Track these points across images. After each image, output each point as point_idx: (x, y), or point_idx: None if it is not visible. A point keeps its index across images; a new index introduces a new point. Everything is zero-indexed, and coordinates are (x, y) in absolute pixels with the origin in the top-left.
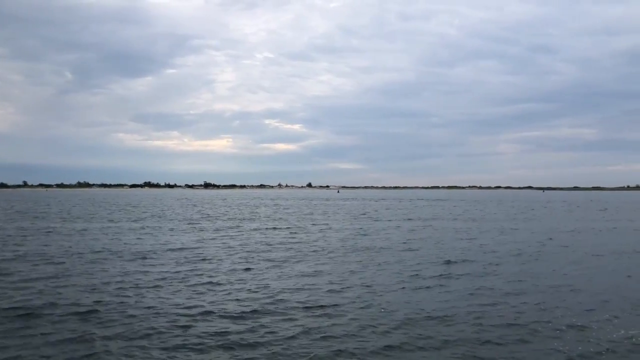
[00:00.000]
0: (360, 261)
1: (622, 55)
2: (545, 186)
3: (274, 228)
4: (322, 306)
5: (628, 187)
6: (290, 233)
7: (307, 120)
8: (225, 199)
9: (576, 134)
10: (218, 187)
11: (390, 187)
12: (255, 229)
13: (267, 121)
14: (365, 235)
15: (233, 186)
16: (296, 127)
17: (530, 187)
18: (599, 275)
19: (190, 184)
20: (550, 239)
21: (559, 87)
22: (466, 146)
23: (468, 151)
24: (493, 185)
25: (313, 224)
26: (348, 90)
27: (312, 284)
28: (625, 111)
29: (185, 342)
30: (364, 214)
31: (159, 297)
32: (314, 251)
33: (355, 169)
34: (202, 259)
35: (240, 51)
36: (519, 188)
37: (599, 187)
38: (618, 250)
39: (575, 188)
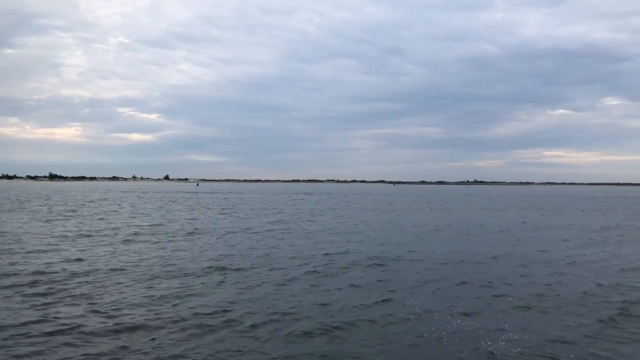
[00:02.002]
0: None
1: (465, 61)
2: (396, 180)
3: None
4: None
5: (467, 181)
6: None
7: (165, 109)
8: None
9: (424, 133)
10: (65, 178)
11: (251, 181)
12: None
13: (120, 109)
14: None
15: (82, 178)
16: (153, 116)
17: (382, 181)
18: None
19: (32, 175)
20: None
21: (409, 88)
22: (325, 141)
23: (327, 146)
24: (349, 179)
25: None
26: (209, 81)
27: None
28: (466, 113)
29: None
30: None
31: None
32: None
33: (215, 161)
34: None
35: (91, 34)
36: (373, 182)
37: (443, 182)
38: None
39: (422, 182)
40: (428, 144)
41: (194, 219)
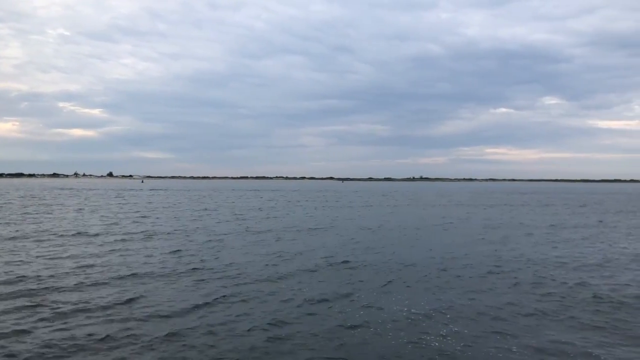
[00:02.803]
0: None
1: (412, 60)
2: (345, 177)
3: None
4: None
5: (413, 178)
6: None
7: (109, 105)
8: None
9: (372, 130)
10: (1, 175)
11: (199, 178)
12: None
13: (61, 104)
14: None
15: (20, 175)
16: (95, 111)
17: (331, 178)
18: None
19: None
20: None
21: (358, 86)
22: (273, 138)
23: (275, 143)
24: (298, 176)
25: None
26: (155, 76)
27: None
28: (412, 111)
29: None
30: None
31: None
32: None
33: (161, 158)
34: None
35: (28, 25)
36: (322, 179)
37: (390, 178)
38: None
39: (370, 179)
40: (376, 141)
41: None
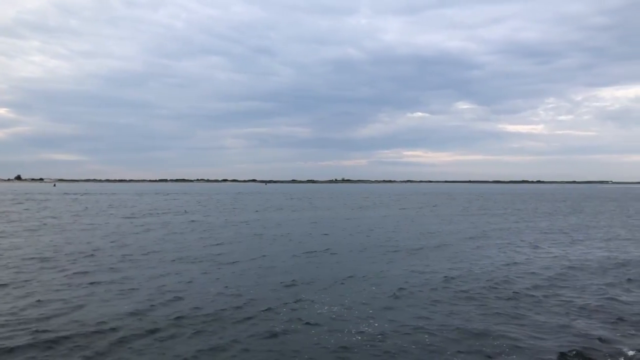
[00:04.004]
0: None
1: (332, 64)
2: (268, 179)
3: None
4: None
5: (336, 180)
6: None
7: (15, 104)
8: None
9: (294, 132)
10: None
11: (115, 180)
12: None
13: None
14: None
15: None
16: (1, 111)
17: (254, 180)
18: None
19: None
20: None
21: (279, 88)
22: (194, 139)
23: (196, 144)
24: (220, 179)
25: None
26: (66, 75)
27: None
28: (333, 114)
29: None
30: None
31: None
32: None
33: (74, 160)
34: None
35: None
36: (244, 181)
37: (313, 180)
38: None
39: (293, 181)
40: (298, 143)
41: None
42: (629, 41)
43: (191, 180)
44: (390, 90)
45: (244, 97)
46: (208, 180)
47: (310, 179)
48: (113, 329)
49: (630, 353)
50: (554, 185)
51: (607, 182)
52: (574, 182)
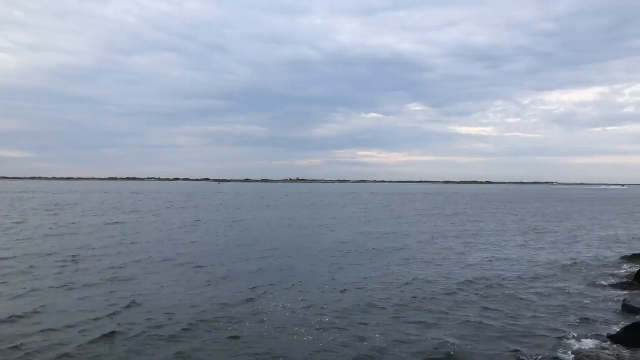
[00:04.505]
0: None
1: (288, 63)
2: (221, 178)
3: None
4: None
5: (291, 179)
6: None
7: None
8: None
9: (249, 131)
10: None
11: (63, 179)
12: None
13: None
14: None
15: None
16: None
17: (207, 179)
18: None
19: None
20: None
21: (234, 87)
22: (146, 137)
23: (148, 142)
24: (172, 177)
25: None
26: (11, 68)
27: None
28: (289, 113)
29: None
30: None
31: None
32: None
33: (18, 157)
34: None
35: None
36: (197, 180)
37: (268, 180)
38: None
39: (247, 180)
40: (253, 142)
41: None
42: (574, 47)
43: (142, 179)
44: (345, 90)
45: (199, 95)
46: (160, 179)
47: (264, 178)
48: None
49: (579, 347)
50: (502, 185)
51: (552, 183)
52: (521, 183)
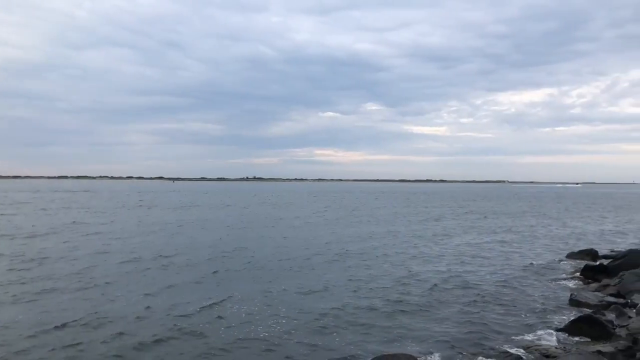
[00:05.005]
0: None
1: (244, 61)
2: (176, 177)
3: None
4: None
5: (247, 178)
6: None
7: None
8: None
9: (204, 129)
10: None
11: (8, 177)
12: None
13: None
14: None
15: None
16: None
17: (161, 178)
18: None
19: None
20: None
21: (189, 84)
22: (97, 135)
23: (99, 140)
24: (125, 176)
25: None
26: None
27: None
28: (246, 111)
29: None
30: None
31: None
32: None
33: None
34: None
35: None
36: (151, 178)
37: (224, 178)
38: None
39: (203, 179)
40: (209, 140)
41: None
42: (523, 49)
43: (93, 177)
44: (301, 89)
45: (152, 91)
46: (112, 178)
47: (220, 176)
48: None
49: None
50: (456, 184)
51: (503, 181)
52: (473, 181)
